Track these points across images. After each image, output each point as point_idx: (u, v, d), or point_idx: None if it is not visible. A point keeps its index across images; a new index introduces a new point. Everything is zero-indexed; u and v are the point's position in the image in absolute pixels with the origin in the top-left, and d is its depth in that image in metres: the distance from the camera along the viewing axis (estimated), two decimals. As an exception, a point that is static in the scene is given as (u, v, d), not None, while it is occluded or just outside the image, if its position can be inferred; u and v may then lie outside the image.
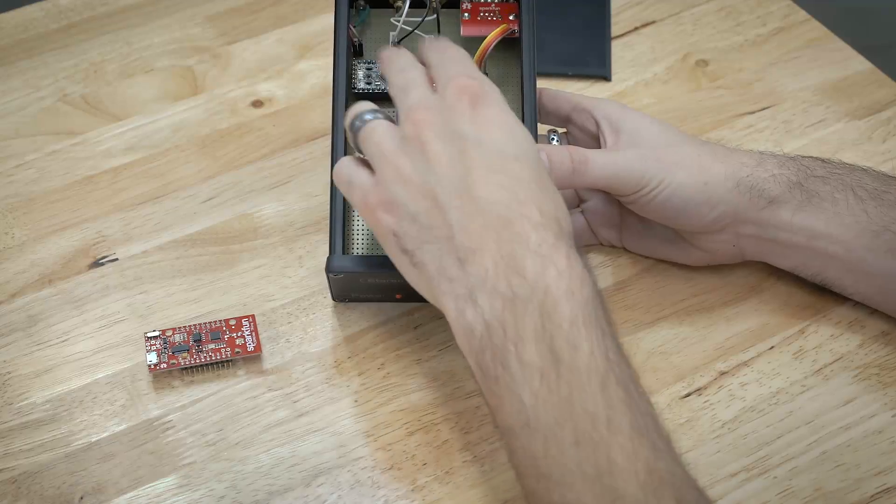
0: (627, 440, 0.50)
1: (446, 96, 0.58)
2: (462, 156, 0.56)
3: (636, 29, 0.89)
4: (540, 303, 0.53)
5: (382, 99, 0.70)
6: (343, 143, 0.67)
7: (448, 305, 0.56)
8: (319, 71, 0.86)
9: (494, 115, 0.57)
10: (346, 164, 0.61)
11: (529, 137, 0.58)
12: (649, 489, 0.50)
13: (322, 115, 0.82)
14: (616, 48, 0.88)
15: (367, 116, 0.60)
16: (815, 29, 0.89)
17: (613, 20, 0.90)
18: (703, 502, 0.52)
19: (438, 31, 0.70)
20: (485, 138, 0.56)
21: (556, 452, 0.51)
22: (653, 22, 0.90)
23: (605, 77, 0.86)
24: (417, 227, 0.56)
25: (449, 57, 0.61)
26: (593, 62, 0.86)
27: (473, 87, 0.58)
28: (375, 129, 0.59)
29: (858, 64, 0.86)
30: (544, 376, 0.52)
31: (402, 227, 0.57)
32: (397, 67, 0.61)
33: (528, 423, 0.52)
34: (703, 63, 0.87)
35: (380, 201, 0.58)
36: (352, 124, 0.61)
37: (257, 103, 0.84)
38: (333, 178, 0.62)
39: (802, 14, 0.90)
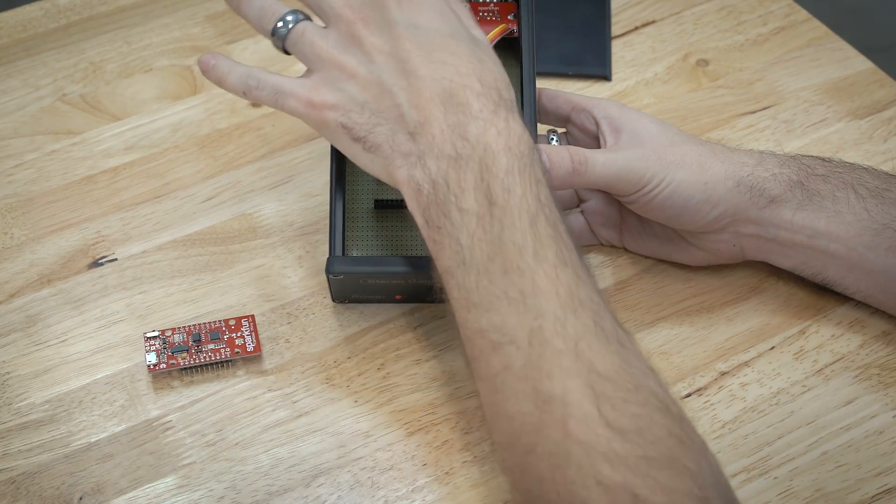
0: (551, 267, 0.55)
1: None
2: (399, 41, 0.60)
3: (636, 28, 0.89)
4: (480, 158, 0.57)
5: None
6: None
7: (401, 175, 0.60)
8: (319, 70, 0.86)
9: (422, 0, 0.61)
10: (263, 76, 0.64)
11: (461, 21, 0.62)
12: (569, 308, 0.54)
13: (322, 115, 0.82)
14: (616, 48, 0.88)
15: (289, 18, 0.63)
16: (816, 28, 0.89)
17: (614, 19, 0.90)
18: (619, 330, 0.55)
19: None
20: (417, 21, 0.61)
21: (486, 283, 0.56)
22: (653, 21, 0.90)
23: (606, 77, 0.86)
24: (367, 114, 0.60)
25: None
26: (593, 62, 0.86)
27: None
28: (305, 33, 0.63)
29: (859, 63, 0.86)
30: (480, 219, 0.56)
31: (352, 118, 0.61)
32: None
33: (464, 261, 0.57)
34: (703, 62, 0.87)
35: (325, 100, 0.61)
36: (274, 29, 0.64)
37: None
38: (244, 90, 0.64)
39: (803, 13, 0.90)
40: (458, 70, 0.59)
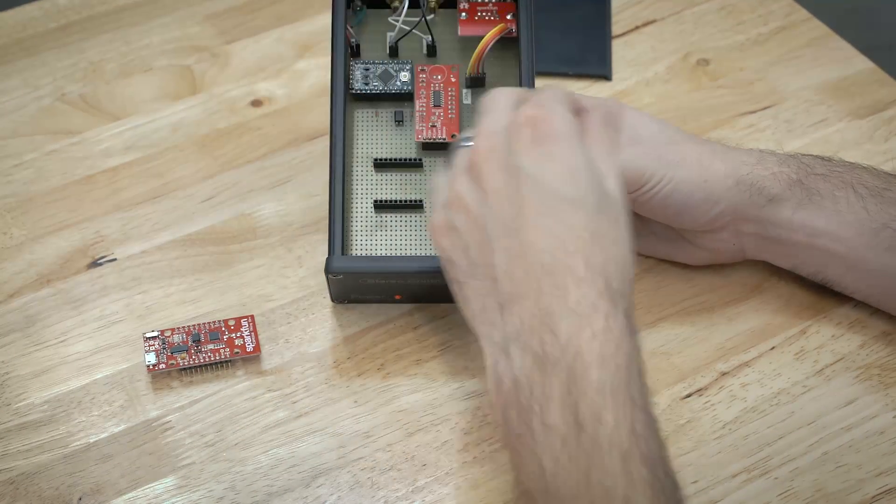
0: None
1: (513, 123, 0.55)
2: (516, 192, 0.53)
3: (637, 28, 0.89)
4: (569, 366, 0.50)
5: (379, 99, 0.70)
6: (342, 147, 0.67)
7: (486, 349, 0.54)
8: (319, 70, 0.86)
9: (558, 151, 0.54)
10: (439, 176, 0.60)
11: (596, 179, 0.54)
12: None
13: (321, 115, 0.82)
14: (617, 47, 0.88)
15: (465, 137, 0.60)
16: (817, 28, 0.89)
17: (614, 19, 0.90)
18: None
19: (430, 34, 0.70)
20: (542, 176, 0.53)
21: None
22: (653, 21, 0.90)
23: (606, 76, 0.86)
24: (468, 261, 0.55)
25: (541, 90, 0.58)
26: (594, 61, 0.86)
27: (540, 116, 0.55)
28: (459, 151, 0.58)
29: (860, 63, 0.86)
30: (566, 443, 0.49)
31: (456, 256, 0.56)
32: (493, 94, 0.59)
33: (547, 489, 0.50)
34: (703, 62, 0.86)
35: (440, 223, 0.57)
36: (456, 145, 0.60)
37: (256, 103, 0.84)
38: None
39: (804, 13, 0.90)
40: (565, 245, 0.51)
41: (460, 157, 0.58)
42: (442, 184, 0.59)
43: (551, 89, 0.59)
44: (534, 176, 0.53)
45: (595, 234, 0.52)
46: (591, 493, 0.48)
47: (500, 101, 0.58)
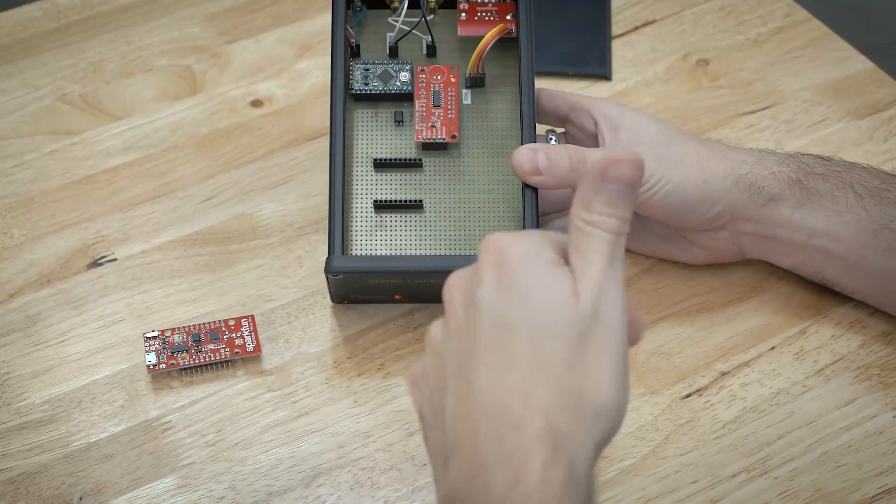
0: None
1: (481, 257, 0.49)
2: (471, 326, 0.47)
3: (637, 28, 0.89)
4: None
5: (379, 99, 0.70)
6: (342, 148, 0.67)
7: None
8: (319, 70, 0.86)
9: (513, 275, 0.47)
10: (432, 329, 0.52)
11: (547, 292, 0.47)
12: None
13: (322, 115, 0.82)
14: (616, 47, 0.88)
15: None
16: (816, 28, 0.89)
17: (614, 19, 0.90)
18: None
19: (430, 34, 0.70)
20: (494, 303, 0.47)
21: None
22: (653, 21, 0.90)
23: (606, 76, 0.86)
24: (431, 411, 0.49)
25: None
26: (594, 61, 0.86)
27: (506, 241, 0.48)
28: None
29: (859, 63, 0.86)
30: None
31: (423, 407, 0.50)
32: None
33: None
34: (703, 62, 0.87)
35: (415, 373, 0.51)
36: None
37: (256, 103, 0.84)
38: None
39: (803, 13, 0.90)
40: (504, 381, 0.45)
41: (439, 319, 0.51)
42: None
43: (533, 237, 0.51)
44: (488, 307, 0.47)
45: (540, 362, 0.45)
46: None
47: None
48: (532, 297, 0.46)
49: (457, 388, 0.46)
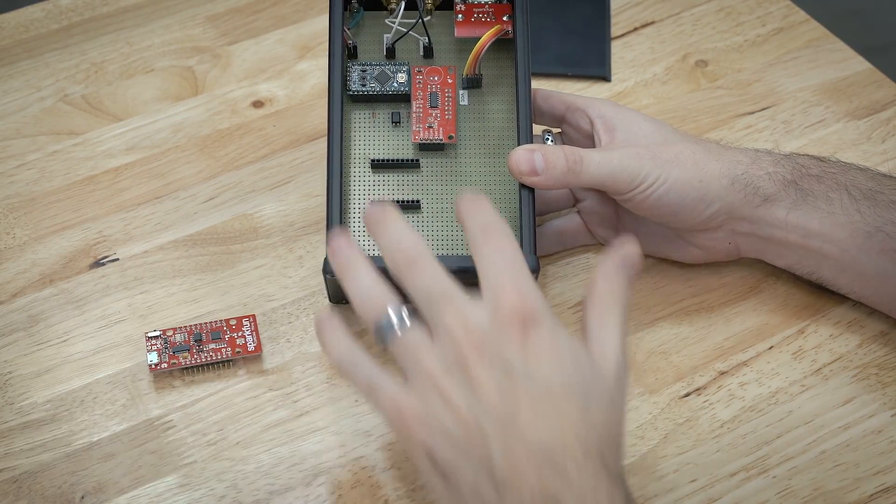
0: None
1: (497, 318, 0.54)
2: (510, 389, 0.53)
3: (636, 29, 0.90)
4: None
5: (376, 100, 0.70)
6: (339, 148, 0.67)
7: None
8: (320, 71, 0.86)
9: (545, 343, 0.54)
10: (362, 363, 0.57)
11: (579, 363, 0.55)
12: None
13: (322, 116, 0.82)
14: (615, 48, 0.88)
15: (394, 319, 0.56)
16: (815, 29, 0.89)
17: (613, 20, 0.90)
18: None
19: (427, 36, 0.70)
20: (534, 371, 0.53)
21: None
22: (652, 22, 0.90)
23: (605, 77, 0.86)
24: (454, 449, 0.54)
25: (499, 257, 0.56)
26: (593, 62, 0.87)
27: (526, 310, 0.54)
28: (409, 344, 0.56)
29: (857, 64, 0.86)
30: None
31: (437, 445, 0.54)
32: (421, 270, 0.56)
33: None
34: (702, 63, 0.87)
35: (416, 416, 0.55)
36: (378, 328, 0.57)
37: (258, 103, 0.84)
38: (340, 366, 0.58)
39: (802, 14, 0.90)
40: (561, 433, 0.52)
41: (417, 350, 0.56)
42: (363, 366, 0.57)
43: (495, 232, 0.56)
44: (526, 372, 0.53)
45: (586, 417, 0.53)
46: None
47: (441, 284, 0.56)
48: (569, 368, 0.54)
49: (504, 436, 0.52)
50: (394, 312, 0.56)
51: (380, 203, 0.59)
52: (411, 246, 0.57)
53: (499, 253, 0.56)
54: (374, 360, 0.57)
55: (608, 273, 0.57)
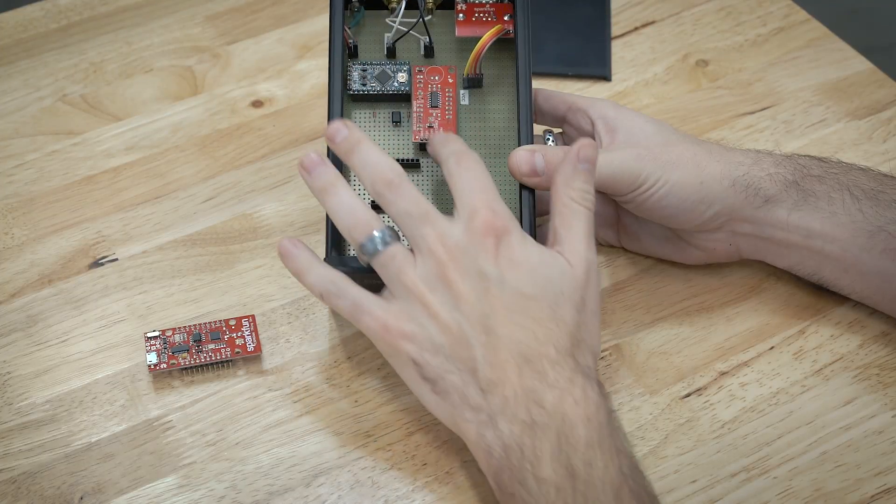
0: None
1: (471, 233, 0.59)
2: (486, 295, 0.59)
3: (636, 29, 0.90)
4: (557, 428, 0.56)
5: (376, 100, 0.70)
6: None
7: (469, 430, 0.59)
8: (319, 71, 0.86)
9: (516, 252, 0.60)
10: (344, 286, 0.61)
11: (548, 266, 0.60)
12: None
13: (322, 116, 0.82)
14: (616, 48, 0.88)
15: (378, 237, 0.60)
16: (816, 29, 0.89)
17: (613, 20, 0.90)
18: None
19: (428, 35, 0.70)
20: (507, 277, 0.59)
21: None
22: (653, 22, 0.90)
23: (605, 77, 0.86)
24: (441, 358, 0.59)
25: (470, 177, 0.61)
26: (593, 62, 0.87)
27: (497, 224, 0.60)
28: (395, 258, 0.60)
29: (859, 64, 0.86)
30: (560, 490, 0.55)
31: (424, 357, 0.59)
32: (400, 193, 0.61)
33: None
34: (703, 63, 0.87)
35: (401, 329, 0.60)
36: (363, 245, 0.61)
37: (257, 103, 0.84)
38: (322, 294, 0.62)
39: (803, 14, 0.90)
40: (535, 335, 0.58)
41: (401, 264, 0.60)
42: (343, 285, 0.61)
43: (467, 160, 0.62)
44: (500, 279, 0.59)
45: (558, 320, 0.59)
46: None
47: (422, 206, 0.60)
48: (539, 272, 0.59)
49: (486, 341, 0.58)
50: (378, 232, 0.60)
51: (341, 122, 0.63)
52: (389, 169, 0.61)
53: (470, 173, 0.61)
54: (353, 281, 0.61)
55: (567, 176, 0.62)
